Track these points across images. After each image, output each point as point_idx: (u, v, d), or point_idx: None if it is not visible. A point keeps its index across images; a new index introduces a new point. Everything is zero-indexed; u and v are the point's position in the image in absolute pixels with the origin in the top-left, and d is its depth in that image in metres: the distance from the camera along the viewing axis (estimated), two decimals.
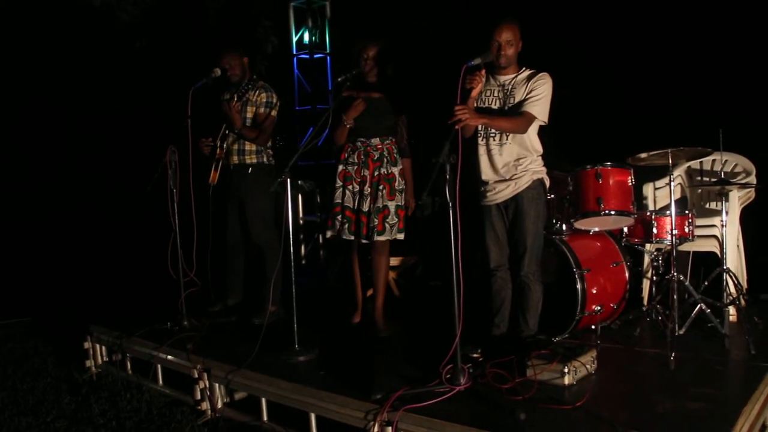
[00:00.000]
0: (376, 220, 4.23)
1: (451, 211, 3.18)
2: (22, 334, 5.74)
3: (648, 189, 4.66)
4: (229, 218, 4.85)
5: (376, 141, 4.27)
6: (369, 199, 4.26)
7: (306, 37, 7.33)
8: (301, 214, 7.32)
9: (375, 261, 4.41)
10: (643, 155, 3.91)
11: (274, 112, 4.70)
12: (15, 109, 8.86)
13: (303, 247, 7.34)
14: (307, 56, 7.33)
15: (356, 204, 4.30)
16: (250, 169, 4.69)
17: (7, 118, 8.72)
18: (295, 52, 7.37)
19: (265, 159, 4.75)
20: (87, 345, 4.71)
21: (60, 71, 9.02)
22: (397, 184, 4.26)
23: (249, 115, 4.69)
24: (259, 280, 4.76)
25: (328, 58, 7.43)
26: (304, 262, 7.30)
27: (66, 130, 8.88)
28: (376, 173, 4.26)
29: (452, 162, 3.16)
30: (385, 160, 4.26)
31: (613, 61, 5.98)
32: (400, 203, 4.27)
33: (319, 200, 7.34)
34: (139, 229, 5.11)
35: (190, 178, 4.45)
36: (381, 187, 4.23)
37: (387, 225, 4.23)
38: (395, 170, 4.27)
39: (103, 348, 4.70)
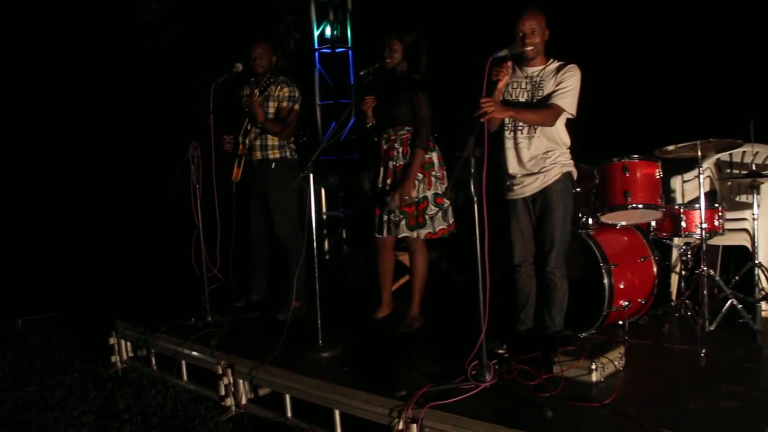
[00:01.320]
0: (385, 215, 4.20)
1: (476, 207, 3.13)
2: (49, 329, 5.80)
3: (676, 182, 4.57)
4: (253, 214, 4.84)
5: (389, 132, 4.23)
6: (381, 191, 4.23)
7: (328, 32, 7.28)
8: (324, 209, 7.31)
9: (410, 257, 4.39)
10: (671, 147, 3.84)
11: (297, 106, 4.69)
12: (42, 105, 8.95)
13: (326, 243, 7.32)
14: (329, 51, 7.28)
15: (373, 197, 4.28)
16: (274, 164, 4.68)
17: (34, 115, 8.81)
18: (316, 47, 7.33)
19: (288, 154, 4.73)
20: (112, 341, 4.74)
21: (85, 68, 9.09)
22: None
23: (271, 110, 4.67)
24: (282, 276, 4.76)
25: (350, 52, 7.38)
26: (327, 257, 7.29)
27: (91, 127, 8.95)
28: (388, 165, 4.23)
29: (477, 156, 3.11)
30: (396, 152, 4.21)
31: (641, 50, 5.87)
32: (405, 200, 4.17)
33: (342, 195, 7.32)
34: (163, 225, 5.11)
35: (212, 173, 4.45)
36: (388, 181, 4.20)
37: (392, 221, 4.19)
38: (405, 163, 4.19)
39: (128, 344, 4.72)
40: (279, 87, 4.66)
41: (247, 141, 4.69)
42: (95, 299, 6.26)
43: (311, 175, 3.85)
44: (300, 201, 4.65)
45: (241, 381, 3.81)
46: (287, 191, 4.64)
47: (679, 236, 4.11)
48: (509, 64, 3.44)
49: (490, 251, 3.20)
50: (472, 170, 3.11)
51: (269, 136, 4.68)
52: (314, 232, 3.90)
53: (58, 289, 6.83)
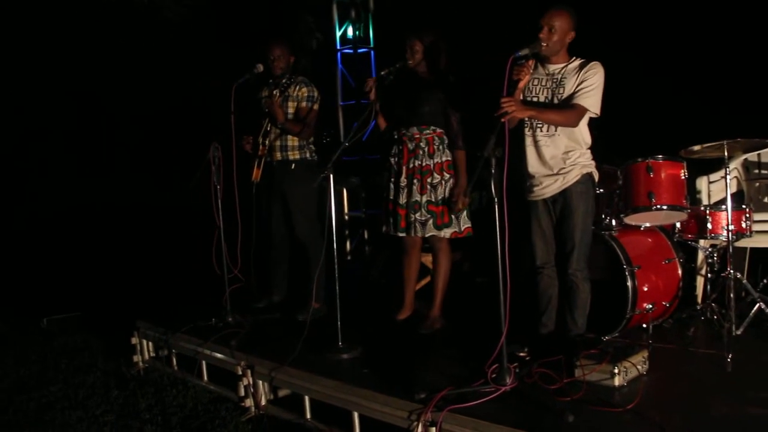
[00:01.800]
0: (411, 215, 4.17)
1: (497, 207, 3.09)
2: (73, 328, 5.86)
3: (702, 183, 4.49)
4: (273, 215, 4.84)
5: (413, 130, 4.19)
6: (405, 191, 4.21)
7: (350, 32, 7.28)
8: (346, 210, 7.30)
9: (435, 258, 4.37)
10: (697, 147, 3.76)
11: (316, 106, 4.70)
12: (69, 105, 9.06)
13: (348, 243, 7.31)
14: (350, 51, 7.28)
15: (395, 196, 4.25)
16: (293, 164, 4.68)
17: (61, 114, 8.92)
18: (338, 47, 7.33)
19: (308, 155, 4.74)
20: (134, 340, 4.78)
21: (109, 70, 9.19)
22: (431, 178, 4.16)
23: (290, 110, 4.67)
24: (303, 277, 4.76)
25: (372, 52, 7.38)
26: (349, 258, 7.28)
27: (114, 128, 9.05)
28: (411, 165, 4.20)
29: (498, 156, 3.07)
30: (421, 151, 4.18)
31: (667, 48, 5.76)
32: (431, 199, 4.15)
33: (364, 195, 7.31)
34: (186, 225, 5.15)
35: (233, 174, 4.46)
36: (415, 180, 4.17)
37: (419, 221, 4.17)
38: (431, 163, 4.16)
39: (150, 343, 4.75)
40: (297, 87, 4.66)
41: (267, 142, 4.69)
42: (119, 298, 6.31)
43: (331, 176, 3.84)
44: (320, 202, 4.64)
45: (260, 382, 3.82)
46: (307, 192, 4.63)
47: (705, 238, 4.04)
48: (530, 63, 3.40)
49: (512, 252, 3.17)
50: (493, 170, 3.08)
51: (289, 137, 4.68)
52: (335, 232, 3.88)
53: (83, 288, 6.90)
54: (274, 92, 4.58)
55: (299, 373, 3.61)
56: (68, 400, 4.22)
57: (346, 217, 7.26)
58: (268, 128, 4.69)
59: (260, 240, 4.76)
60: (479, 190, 5.59)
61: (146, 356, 4.77)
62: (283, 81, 4.63)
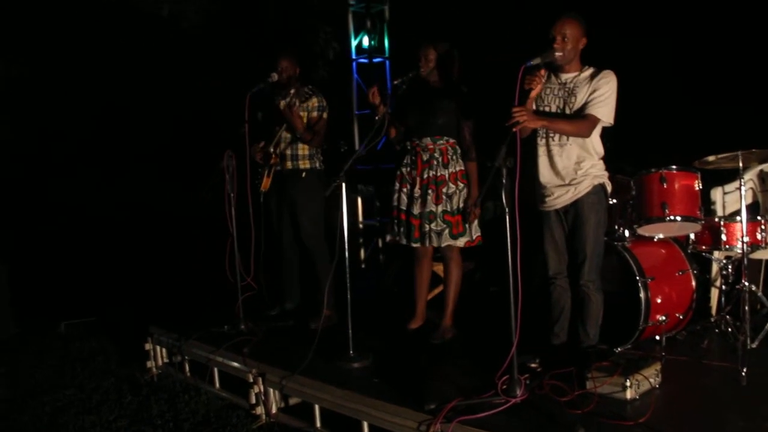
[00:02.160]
0: (426, 225, 4.18)
1: (508, 218, 3.09)
2: (90, 333, 5.92)
3: (716, 193, 4.43)
4: (283, 223, 4.88)
5: (426, 141, 4.20)
6: (419, 201, 4.21)
7: (365, 42, 7.31)
8: (360, 218, 7.32)
9: (446, 268, 4.37)
10: (711, 158, 3.75)
11: (325, 115, 4.76)
12: (87, 110, 9.17)
13: (363, 251, 7.33)
14: (366, 60, 7.31)
15: (408, 207, 4.26)
16: (304, 173, 4.73)
17: (80, 122, 9.03)
18: (354, 57, 7.36)
19: (317, 164, 4.80)
20: (148, 346, 4.81)
21: (128, 79, 9.30)
22: (446, 188, 4.17)
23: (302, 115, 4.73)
24: (314, 285, 4.78)
25: (387, 62, 7.40)
26: (363, 266, 7.29)
27: (133, 134, 9.14)
28: (425, 175, 4.20)
29: (509, 166, 3.08)
30: (436, 161, 4.18)
31: (678, 55, 5.71)
32: (447, 209, 4.16)
33: (378, 204, 7.32)
34: (202, 232, 5.19)
35: (247, 182, 4.49)
36: (429, 191, 4.17)
37: (434, 231, 4.17)
38: (446, 173, 4.17)
39: (163, 349, 4.78)
40: (308, 98, 4.72)
41: (278, 151, 4.74)
42: (137, 303, 6.37)
43: (344, 184, 3.86)
44: (328, 210, 4.67)
45: (271, 390, 3.82)
46: (316, 201, 4.69)
47: (720, 250, 4.01)
48: (542, 72, 3.39)
49: (524, 262, 3.16)
50: (504, 181, 3.08)
51: (300, 146, 4.73)
52: (346, 240, 3.89)
53: (102, 292, 6.97)
54: (295, 101, 4.62)
55: (309, 382, 3.61)
56: (82, 404, 4.27)
57: (361, 226, 7.27)
58: (280, 137, 4.73)
59: (270, 248, 4.79)
60: (493, 200, 5.58)
61: (160, 362, 4.80)
62: (291, 91, 4.68)
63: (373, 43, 7.27)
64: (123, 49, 9.31)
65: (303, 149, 4.73)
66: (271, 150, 4.71)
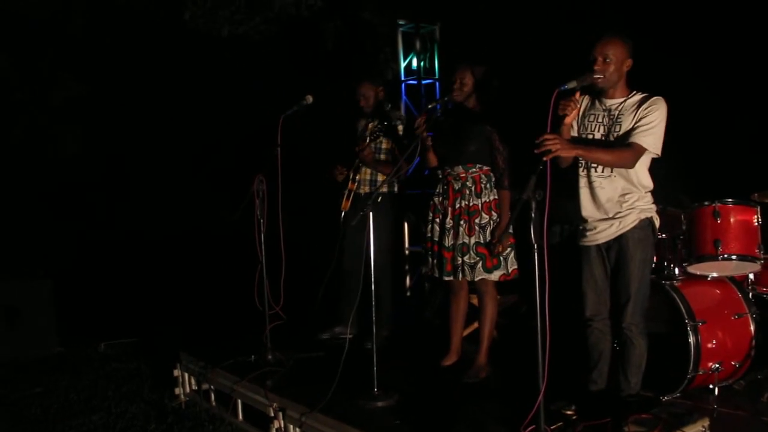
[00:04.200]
0: (459, 257, 3.95)
1: (536, 255, 2.85)
2: (128, 354, 5.92)
3: None
4: (350, 246, 4.82)
5: (458, 169, 3.99)
6: (451, 233, 4.00)
7: (414, 63, 7.16)
8: (407, 245, 7.11)
9: (480, 302, 4.15)
10: None
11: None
12: (144, 135, 9.33)
13: (408, 279, 7.10)
14: (414, 82, 7.16)
15: (440, 238, 4.05)
16: (380, 198, 4.60)
17: (134, 144, 9.20)
18: (403, 78, 7.22)
19: (395, 189, 4.83)
20: (176, 372, 4.73)
21: (185, 99, 9.43)
22: (479, 219, 3.95)
23: (384, 145, 4.77)
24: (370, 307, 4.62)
25: (437, 83, 7.22)
26: (408, 293, 7.07)
27: (183, 157, 9.23)
28: (457, 205, 3.99)
29: (538, 199, 2.84)
30: (468, 191, 3.97)
31: (741, 82, 5.32)
32: (480, 240, 3.94)
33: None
34: (240, 256, 5.11)
35: (278, 207, 4.37)
36: (462, 222, 3.95)
37: (467, 264, 3.94)
38: (479, 203, 3.95)
39: (192, 377, 4.69)
40: (392, 124, 4.67)
41: (357, 177, 4.77)
42: (179, 326, 6.34)
43: (371, 214, 3.70)
44: (395, 235, 4.75)
45: (291, 426, 3.66)
46: (385, 224, 4.69)
47: None
48: (577, 96, 3.13)
49: (566, 299, 2.91)
50: (533, 214, 2.84)
51: (379, 172, 4.77)
52: (373, 266, 3.74)
53: (146, 313, 6.98)
54: (366, 131, 4.59)
55: (328, 421, 3.44)
56: (107, 429, 4.23)
57: (407, 252, 7.05)
58: (359, 165, 4.75)
59: (338, 270, 4.74)
60: (560, 224, 5.28)
61: (188, 389, 4.71)
62: (377, 123, 4.70)
63: (423, 64, 7.11)
64: (181, 69, 9.45)
65: (382, 175, 4.77)
66: (351, 176, 4.76)
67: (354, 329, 4.70)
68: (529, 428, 2.87)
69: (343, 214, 4.81)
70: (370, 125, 4.81)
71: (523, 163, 3.64)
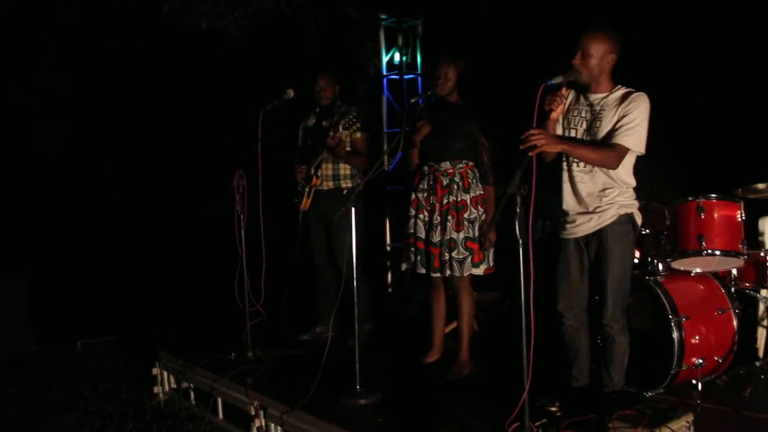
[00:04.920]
0: (446, 253, 3.92)
1: (521, 251, 2.82)
2: (106, 353, 5.83)
3: (764, 223, 4.05)
4: (318, 243, 4.78)
5: (445, 165, 3.95)
6: (438, 229, 3.96)
7: (396, 58, 7.10)
8: (388, 241, 7.06)
9: (456, 299, 4.09)
10: (762, 186, 3.41)
11: (370, 134, 4.77)
12: (121, 133, 9.19)
13: (390, 276, 7.06)
14: (397, 77, 7.10)
15: (426, 234, 4.01)
16: (345, 192, 4.61)
17: (111, 142, 9.05)
18: (385, 73, 7.16)
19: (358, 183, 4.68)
20: (155, 371, 4.66)
21: (165, 94, 9.29)
22: (468, 213, 3.90)
23: (343, 138, 4.62)
24: (348, 305, 4.57)
25: (419, 78, 7.17)
26: (390, 290, 7.03)
27: (162, 154, 9.10)
28: (445, 201, 3.94)
29: (523, 193, 2.80)
30: (456, 186, 3.93)
31: (725, 75, 5.31)
32: (469, 235, 3.90)
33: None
34: (222, 253, 5.04)
35: (259, 203, 4.30)
36: (449, 217, 3.92)
37: (455, 259, 3.90)
38: (467, 198, 3.91)
39: (171, 375, 4.61)
40: (349, 117, 4.56)
41: (320, 173, 4.66)
42: (158, 323, 6.24)
43: (353, 209, 3.66)
44: (365, 232, 4.53)
45: (272, 424, 3.61)
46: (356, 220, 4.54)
47: (766, 287, 3.63)
48: (563, 92, 3.10)
49: (548, 294, 2.89)
50: (518, 209, 2.81)
51: (342, 166, 4.67)
52: (354, 264, 3.70)
53: (124, 310, 6.86)
54: (339, 127, 4.49)
55: (310, 419, 3.39)
56: (83, 428, 4.14)
57: (389, 248, 7.01)
58: (322, 159, 4.64)
59: (304, 269, 4.67)
60: (542, 219, 5.26)
61: (167, 388, 4.64)
62: (335, 113, 4.62)
63: (405, 59, 7.06)
64: (162, 64, 9.32)
65: (345, 169, 4.69)
66: (312, 172, 4.63)
67: (335, 327, 4.69)
68: (514, 425, 2.84)
69: (301, 213, 4.70)
70: (324, 122, 4.68)
71: (509, 159, 3.64)
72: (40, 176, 8.39)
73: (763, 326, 3.94)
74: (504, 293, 5.34)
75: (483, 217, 3.94)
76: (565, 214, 3.32)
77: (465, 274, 3.95)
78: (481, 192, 3.95)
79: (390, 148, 3.88)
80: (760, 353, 3.92)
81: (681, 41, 5.40)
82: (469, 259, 3.92)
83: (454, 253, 3.92)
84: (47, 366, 5.55)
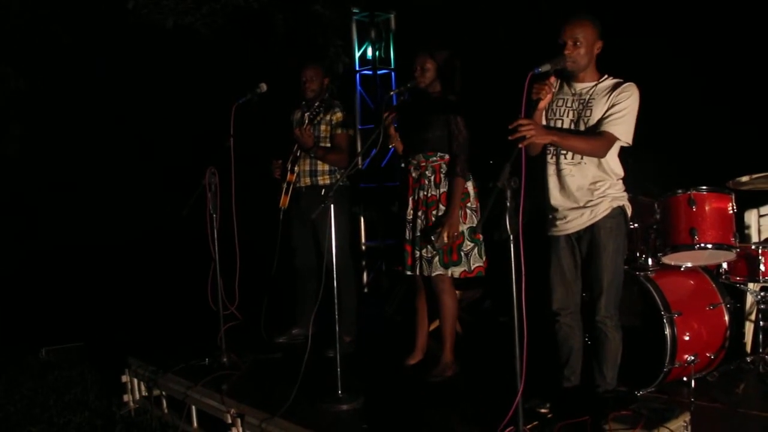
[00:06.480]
0: (417, 251, 3.78)
1: (512, 245, 2.69)
2: (72, 360, 5.57)
3: (751, 216, 4.01)
4: (299, 243, 4.62)
5: (419, 158, 3.82)
6: (410, 225, 3.85)
7: (369, 52, 6.96)
8: (363, 240, 6.92)
9: (437, 299, 3.94)
10: (745, 178, 3.36)
11: (351, 132, 4.58)
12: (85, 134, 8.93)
13: (365, 275, 6.92)
14: (370, 72, 6.97)
15: (402, 231, 3.88)
16: (324, 190, 4.39)
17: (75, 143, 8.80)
18: (357, 68, 7.02)
19: (344, 181, 4.51)
20: (125, 378, 4.45)
21: (132, 91, 9.07)
22: (437, 210, 3.77)
23: (323, 134, 4.48)
24: (330, 310, 4.42)
25: (393, 73, 7.04)
26: (366, 290, 6.89)
27: (129, 153, 8.88)
28: (416, 196, 3.83)
29: (513, 187, 2.68)
30: (427, 180, 3.79)
31: (714, 68, 5.28)
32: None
33: (382, 225, 6.93)
34: (195, 254, 4.85)
35: (232, 201, 4.13)
36: (420, 213, 3.78)
37: (424, 258, 3.77)
38: (437, 193, 3.78)
39: (141, 383, 4.41)
40: (332, 111, 4.47)
41: (296, 168, 4.50)
42: (127, 328, 6.02)
43: (332, 206, 3.51)
44: (351, 229, 4.36)
45: None
46: (338, 219, 4.33)
47: (756, 281, 3.59)
48: (552, 80, 2.99)
49: (535, 294, 2.77)
50: (508, 203, 2.68)
51: (319, 162, 4.50)
52: (335, 263, 3.58)
53: (91, 315, 6.63)
54: (306, 116, 4.38)
55: (291, 426, 3.23)
56: None
57: (363, 248, 6.87)
58: (298, 154, 4.48)
59: (284, 270, 4.50)
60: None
61: (137, 396, 4.43)
62: (316, 105, 4.46)
63: (378, 54, 6.92)
64: (128, 61, 9.09)
65: (322, 165, 4.51)
66: (288, 167, 4.47)
67: (312, 329, 4.53)
68: (508, 429, 2.71)
69: (282, 211, 4.52)
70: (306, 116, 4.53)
71: (490, 151, 3.51)
72: (2, 178, 8.10)
73: (751, 320, 3.89)
74: (484, 291, 5.23)
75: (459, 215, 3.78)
76: (554, 210, 3.20)
77: (433, 274, 3.81)
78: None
79: (368, 144, 3.71)
80: (748, 348, 3.87)
81: (670, 33, 5.35)
82: (437, 259, 3.77)
83: (423, 252, 3.80)
84: (7, 376, 5.28)
